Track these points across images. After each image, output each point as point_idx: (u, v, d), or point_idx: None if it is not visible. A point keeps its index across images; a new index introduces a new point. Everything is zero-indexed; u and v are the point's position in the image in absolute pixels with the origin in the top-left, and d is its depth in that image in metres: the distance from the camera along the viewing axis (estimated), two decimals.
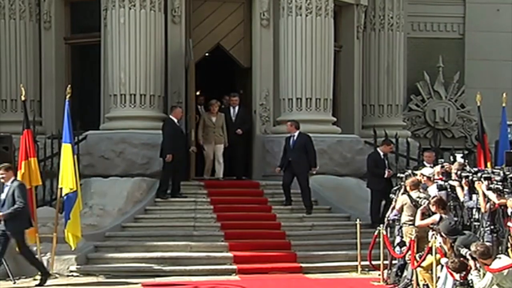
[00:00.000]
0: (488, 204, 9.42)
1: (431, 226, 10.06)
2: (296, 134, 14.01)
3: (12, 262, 11.83)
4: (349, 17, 16.66)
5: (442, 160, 13.47)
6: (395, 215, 11.21)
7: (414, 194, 10.90)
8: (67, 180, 11.93)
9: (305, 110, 15.04)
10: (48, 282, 11.61)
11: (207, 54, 15.84)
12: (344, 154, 15.13)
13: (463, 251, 8.82)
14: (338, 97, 16.40)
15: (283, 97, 15.28)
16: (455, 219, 10.26)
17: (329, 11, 15.25)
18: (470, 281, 8.77)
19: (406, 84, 18.06)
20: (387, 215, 11.59)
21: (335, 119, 15.63)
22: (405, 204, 10.92)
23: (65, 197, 11.97)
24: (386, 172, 13.73)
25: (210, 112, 15.07)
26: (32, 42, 15.63)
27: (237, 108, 15.26)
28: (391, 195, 11.78)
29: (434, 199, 10.22)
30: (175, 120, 14.03)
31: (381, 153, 14.08)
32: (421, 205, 10.52)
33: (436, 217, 10.00)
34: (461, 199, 10.33)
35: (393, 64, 16.95)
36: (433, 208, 10.11)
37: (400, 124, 17.15)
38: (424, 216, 10.33)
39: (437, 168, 11.52)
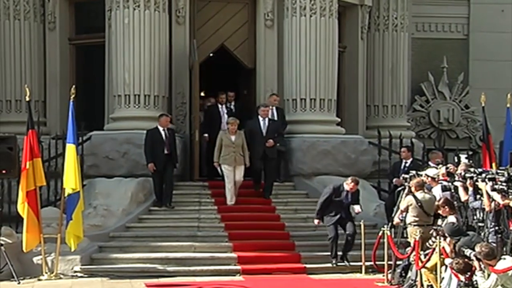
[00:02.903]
0: (493, 205, 9.42)
1: (435, 227, 10.08)
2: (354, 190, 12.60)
3: (16, 262, 11.92)
4: (353, 17, 16.64)
5: (439, 160, 13.50)
6: (402, 217, 11.21)
7: (419, 194, 10.93)
8: (70, 181, 11.95)
9: (309, 110, 15.01)
10: (53, 282, 11.65)
11: (211, 55, 15.83)
12: (348, 154, 15.10)
13: (467, 252, 8.84)
14: (342, 97, 16.37)
15: (287, 97, 15.26)
16: (460, 219, 10.29)
17: (333, 11, 15.23)
18: (474, 282, 8.76)
19: (410, 85, 18.02)
20: (392, 216, 11.61)
21: (339, 119, 15.63)
22: (411, 205, 10.95)
23: (67, 198, 12.00)
24: (395, 179, 13.62)
25: (228, 131, 14.05)
26: (36, 42, 15.63)
27: (267, 119, 14.34)
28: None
29: (442, 200, 10.25)
30: (160, 129, 13.73)
31: (403, 161, 14.14)
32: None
33: (452, 219, 10.01)
34: (462, 199, 10.37)
35: (397, 65, 16.93)
36: (441, 210, 10.15)
37: (405, 124, 17.14)
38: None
39: (443, 169, 11.53)
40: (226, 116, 14.86)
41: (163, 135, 13.71)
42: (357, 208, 12.52)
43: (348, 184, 12.52)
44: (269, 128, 14.25)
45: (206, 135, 14.82)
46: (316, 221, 12.72)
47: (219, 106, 15.15)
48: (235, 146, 13.86)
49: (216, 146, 13.98)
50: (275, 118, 14.60)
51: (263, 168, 14.22)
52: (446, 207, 10.18)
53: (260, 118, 14.31)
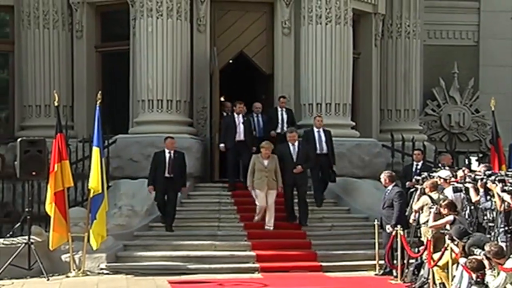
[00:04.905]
0: (503, 206, 9.48)
1: (443, 229, 10.21)
2: (390, 187, 12.16)
3: (46, 259, 12.12)
4: (367, 25, 16.86)
5: (445, 163, 13.72)
6: (415, 217, 11.31)
7: (434, 195, 11.04)
8: (93, 182, 12.18)
9: (325, 114, 15.11)
10: (80, 279, 11.93)
11: (230, 61, 16.03)
12: (363, 157, 15.30)
13: (477, 251, 8.90)
14: (356, 102, 16.56)
15: (303, 102, 15.48)
16: (467, 219, 10.51)
17: (348, 19, 15.46)
18: (486, 282, 8.73)
19: (422, 90, 18.13)
20: (407, 216, 11.70)
21: (353, 123, 15.84)
22: (426, 204, 10.99)
23: (92, 198, 12.21)
24: (408, 183, 13.43)
25: (261, 155, 13.44)
26: (64, 50, 15.92)
27: (296, 143, 13.75)
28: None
29: (445, 202, 10.38)
30: (166, 151, 13.32)
31: (415, 164, 14.29)
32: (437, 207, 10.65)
33: (450, 218, 10.15)
34: (473, 200, 10.52)
35: (410, 71, 17.10)
36: (444, 211, 10.25)
37: (417, 128, 17.31)
38: (439, 217, 10.46)
39: (460, 172, 11.72)
40: (242, 126, 14.48)
41: (167, 158, 13.25)
42: (387, 227, 11.94)
43: (384, 182, 12.27)
44: (299, 153, 13.62)
45: (222, 145, 14.46)
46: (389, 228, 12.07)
47: (235, 116, 14.60)
48: (268, 170, 13.34)
49: (249, 170, 13.46)
50: (323, 140, 14.32)
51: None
52: (446, 208, 10.27)
53: (290, 143, 13.77)
